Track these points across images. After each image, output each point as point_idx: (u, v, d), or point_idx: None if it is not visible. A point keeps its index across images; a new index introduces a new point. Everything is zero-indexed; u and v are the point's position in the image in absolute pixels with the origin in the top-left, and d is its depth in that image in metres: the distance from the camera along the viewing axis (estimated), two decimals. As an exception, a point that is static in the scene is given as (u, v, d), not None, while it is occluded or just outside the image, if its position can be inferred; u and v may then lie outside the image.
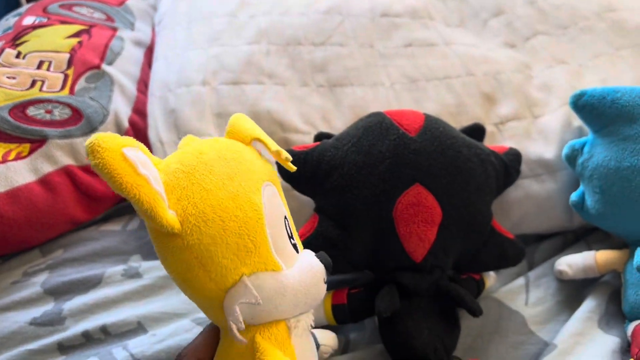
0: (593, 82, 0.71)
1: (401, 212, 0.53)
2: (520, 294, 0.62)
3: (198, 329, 0.57)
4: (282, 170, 0.54)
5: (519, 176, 0.64)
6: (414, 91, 0.72)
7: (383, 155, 0.54)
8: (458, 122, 0.69)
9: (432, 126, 0.57)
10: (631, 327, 0.56)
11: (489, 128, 0.69)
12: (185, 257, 0.39)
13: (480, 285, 0.60)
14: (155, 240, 0.41)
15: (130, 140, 0.38)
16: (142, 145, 0.39)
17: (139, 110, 0.74)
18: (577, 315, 0.59)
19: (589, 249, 0.66)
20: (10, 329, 0.58)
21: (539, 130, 0.68)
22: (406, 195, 0.53)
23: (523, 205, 0.67)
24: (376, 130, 0.57)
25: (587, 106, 0.59)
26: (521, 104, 0.70)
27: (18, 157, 0.65)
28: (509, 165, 0.61)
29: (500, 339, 0.58)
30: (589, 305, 0.59)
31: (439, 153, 0.55)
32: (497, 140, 0.69)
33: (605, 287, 0.61)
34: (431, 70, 0.74)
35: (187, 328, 0.57)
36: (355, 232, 0.54)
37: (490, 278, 0.62)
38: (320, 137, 0.64)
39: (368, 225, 0.54)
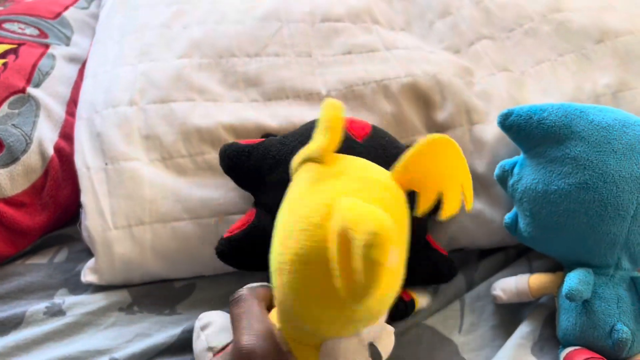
0: (534, 91, 0.68)
1: None
2: (455, 320, 0.61)
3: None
4: (223, 163, 0.59)
5: None
6: (351, 100, 0.69)
7: None
8: (396, 133, 0.67)
9: (379, 135, 0.59)
10: (563, 354, 0.54)
11: (426, 140, 0.67)
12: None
13: (409, 307, 0.59)
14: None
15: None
16: None
17: (67, 135, 0.72)
18: (509, 342, 0.57)
19: (530, 266, 0.64)
20: None
21: (474, 141, 0.66)
22: None
23: (459, 219, 0.64)
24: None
25: (514, 126, 0.57)
26: (459, 109, 0.67)
27: None
28: None
29: (430, 369, 0.57)
30: (522, 331, 0.58)
31: (382, 160, 0.52)
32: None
33: (541, 310, 0.60)
34: (369, 74, 0.71)
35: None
36: None
37: (422, 299, 0.61)
38: (266, 136, 0.64)
39: None
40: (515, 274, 0.61)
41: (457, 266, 0.62)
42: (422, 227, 0.59)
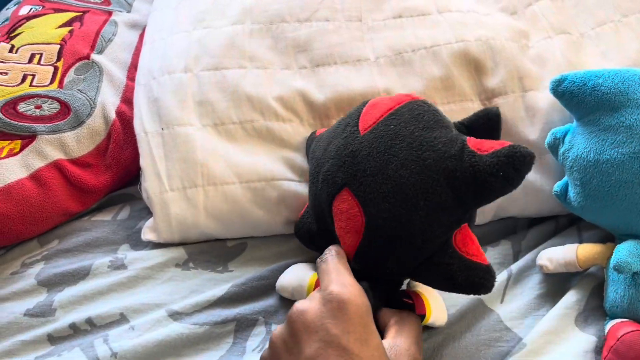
0: (593, 54, 0.65)
1: (335, 215, 0.52)
2: (499, 290, 0.60)
3: (170, 322, 0.60)
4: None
5: (514, 184, 0.48)
6: (399, 66, 0.69)
7: (329, 155, 0.53)
8: (444, 99, 0.66)
9: (388, 122, 0.52)
10: (609, 326, 0.54)
11: (475, 105, 0.66)
12: None
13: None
14: None
15: None
16: None
17: (128, 100, 0.75)
18: (553, 311, 0.56)
19: (580, 236, 0.63)
20: (6, 320, 0.62)
21: (526, 108, 0.64)
22: (337, 200, 0.51)
23: None
24: (341, 125, 0.56)
25: (566, 93, 0.55)
26: (511, 75, 0.66)
27: (10, 154, 0.68)
28: (484, 172, 0.46)
29: (472, 337, 0.57)
30: (567, 301, 0.57)
31: (373, 157, 0.50)
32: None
33: (589, 280, 0.58)
34: (419, 40, 0.70)
35: (161, 320, 0.60)
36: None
37: (438, 316, 0.55)
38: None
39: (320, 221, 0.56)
40: (564, 243, 0.60)
41: (486, 282, 0.49)
42: (426, 231, 0.48)
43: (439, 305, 0.55)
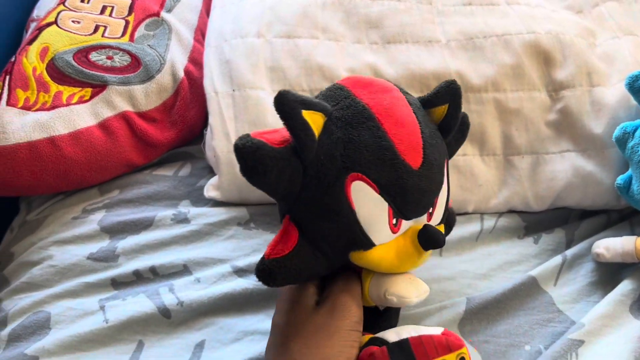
0: (660, 57, 0.67)
1: None
2: (553, 272, 0.62)
3: (235, 277, 0.61)
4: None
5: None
6: (470, 50, 0.70)
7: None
8: (514, 86, 0.68)
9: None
10: (662, 315, 0.56)
11: (542, 95, 0.68)
12: None
13: None
14: None
15: None
16: None
17: (195, 60, 0.76)
18: (609, 297, 0.58)
19: (632, 231, 0.65)
20: (70, 261, 0.64)
21: (592, 102, 0.66)
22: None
23: (568, 177, 0.66)
24: None
25: (644, 89, 0.57)
26: (580, 70, 0.68)
27: (80, 101, 0.69)
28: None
29: (526, 316, 0.59)
30: (623, 288, 0.59)
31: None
32: (549, 108, 0.67)
33: (644, 271, 0.61)
34: (490, 28, 0.71)
35: (226, 275, 0.61)
36: None
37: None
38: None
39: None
40: (616, 236, 0.62)
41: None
42: None
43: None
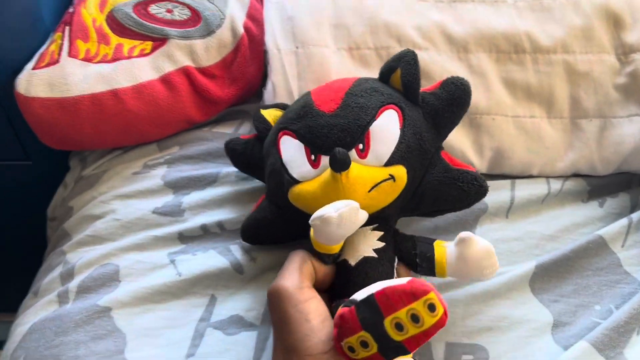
0: None
1: None
2: (620, 235, 0.62)
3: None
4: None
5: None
6: (538, 11, 0.69)
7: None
8: (583, 48, 0.67)
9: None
10: None
11: (612, 59, 0.67)
12: None
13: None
14: None
15: None
16: None
17: (253, 17, 0.75)
18: (679, 259, 0.59)
19: (699, 196, 0.65)
20: (135, 215, 0.63)
21: (666, 66, 0.65)
22: None
23: (635, 141, 0.65)
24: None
25: None
26: None
27: (141, 54, 0.68)
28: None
29: (594, 277, 0.59)
30: (693, 252, 0.59)
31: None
32: (618, 72, 0.66)
33: None
34: None
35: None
36: None
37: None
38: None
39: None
40: (682, 201, 0.63)
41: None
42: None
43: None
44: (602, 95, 0.67)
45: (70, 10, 0.69)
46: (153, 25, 0.69)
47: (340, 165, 0.47)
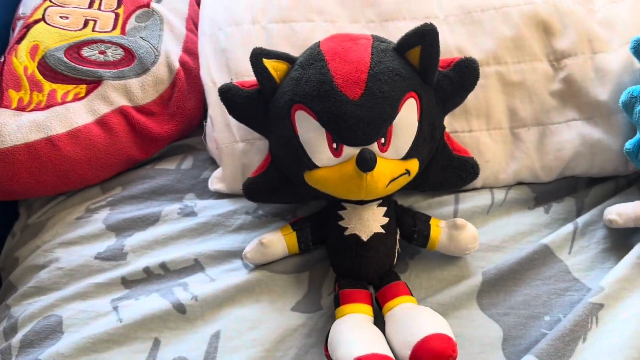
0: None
1: None
2: (566, 241, 0.62)
3: (247, 270, 0.60)
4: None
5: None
6: (469, 25, 0.69)
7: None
8: (515, 58, 0.67)
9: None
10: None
11: (544, 66, 0.67)
12: None
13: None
14: None
15: None
16: None
17: (189, 50, 0.75)
18: (625, 261, 0.58)
19: (642, 195, 0.65)
20: (77, 262, 0.62)
21: (596, 69, 0.66)
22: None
23: (575, 146, 0.65)
24: None
25: (650, 51, 0.57)
26: (580, 37, 0.67)
27: (75, 98, 0.67)
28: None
29: (543, 286, 0.59)
30: (639, 252, 0.59)
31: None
32: (552, 78, 0.67)
33: (657, 235, 0.61)
34: (487, 1, 0.70)
35: (237, 269, 0.61)
36: None
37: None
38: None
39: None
40: (626, 201, 0.63)
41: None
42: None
43: None
44: (538, 104, 0.67)
45: (1, 60, 0.69)
46: (86, 68, 0.68)
47: (367, 166, 0.51)
